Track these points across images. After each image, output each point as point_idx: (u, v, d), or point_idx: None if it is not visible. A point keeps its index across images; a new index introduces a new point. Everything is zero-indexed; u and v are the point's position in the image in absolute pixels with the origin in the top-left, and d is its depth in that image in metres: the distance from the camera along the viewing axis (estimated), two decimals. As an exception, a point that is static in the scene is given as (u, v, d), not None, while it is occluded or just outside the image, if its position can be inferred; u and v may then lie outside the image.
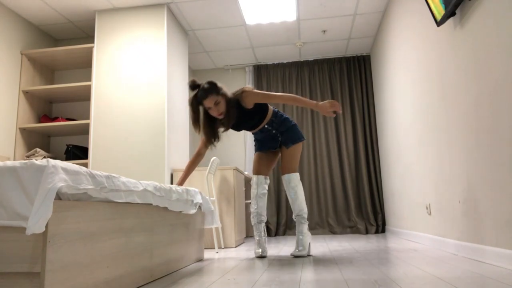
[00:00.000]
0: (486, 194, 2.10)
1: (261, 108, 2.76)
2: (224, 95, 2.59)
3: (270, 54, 5.33)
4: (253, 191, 2.88)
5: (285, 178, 2.82)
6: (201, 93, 2.54)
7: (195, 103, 2.59)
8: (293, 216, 2.84)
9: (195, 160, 2.79)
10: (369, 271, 1.99)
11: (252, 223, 2.89)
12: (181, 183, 2.74)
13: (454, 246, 2.53)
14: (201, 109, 2.66)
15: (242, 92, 2.65)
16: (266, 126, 2.85)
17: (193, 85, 2.59)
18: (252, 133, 2.96)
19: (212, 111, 2.57)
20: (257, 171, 2.93)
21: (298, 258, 2.66)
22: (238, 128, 2.83)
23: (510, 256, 1.86)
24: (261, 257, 2.76)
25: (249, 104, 2.66)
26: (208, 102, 2.54)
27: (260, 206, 2.84)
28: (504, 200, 1.91)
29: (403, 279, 1.74)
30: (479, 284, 1.57)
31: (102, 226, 1.55)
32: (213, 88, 2.55)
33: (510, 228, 1.87)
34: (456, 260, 2.25)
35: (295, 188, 2.79)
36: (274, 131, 2.87)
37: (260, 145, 2.98)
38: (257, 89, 5.52)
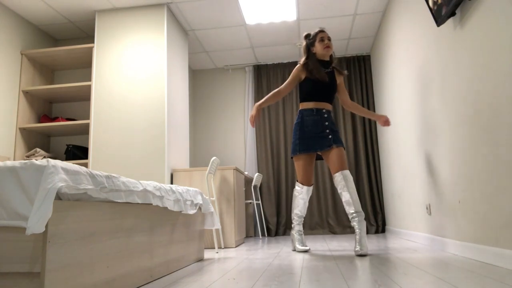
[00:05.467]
0: (486, 194, 2.10)
1: (336, 89, 3.13)
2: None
3: (270, 54, 5.33)
4: (303, 200, 3.06)
5: (342, 173, 2.83)
6: (321, 28, 3.13)
7: (309, 40, 3.13)
8: (351, 214, 2.78)
9: (276, 96, 3.08)
10: (369, 271, 1.99)
11: (295, 224, 3.12)
12: (260, 106, 3.02)
13: (454, 246, 2.53)
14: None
15: (339, 70, 3.22)
16: (325, 110, 3.03)
17: (307, 34, 3.16)
18: (305, 121, 3.02)
19: (324, 42, 3.06)
20: (307, 180, 3.05)
21: (298, 258, 2.66)
22: (320, 83, 3.03)
23: (510, 256, 1.86)
24: (306, 251, 3.02)
25: (339, 77, 3.19)
26: (324, 34, 3.09)
27: (304, 210, 3.12)
28: (504, 200, 1.91)
29: (403, 279, 1.74)
30: (479, 284, 1.57)
31: (102, 226, 1.55)
32: None
33: (510, 228, 1.87)
34: (456, 260, 2.25)
35: (353, 184, 2.87)
36: (326, 123, 2.99)
37: (309, 144, 2.99)
38: (257, 89, 5.52)
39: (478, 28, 2.09)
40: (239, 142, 5.53)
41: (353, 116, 5.26)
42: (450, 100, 2.52)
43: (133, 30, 3.99)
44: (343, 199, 2.82)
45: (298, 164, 3.04)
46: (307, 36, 3.16)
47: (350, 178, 2.84)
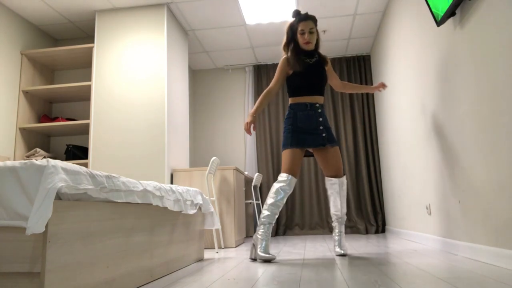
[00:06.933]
0: (486, 194, 2.10)
1: (325, 77, 2.89)
2: (318, 32, 2.87)
3: (270, 54, 5.33)
4: (285, 190, 2.66)
5: (339, 180, 2.79)
6: (304, 15, 2.81)
7: (294, 24, 2.84)
8: (336, 218, 2.82)
9: (267, 96, 2.83)
10: (369, 271, 1.99)
11: (266, 222, 2.64)
12: (255, 113, 2.78)
13: (454, 246, 2.53)
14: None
15: (325, 56, 2.98)
16: (319, 104, 2.81)
17: (296, 12, 2.85)
18: (298, 116, 2.77)
19: (304, 36, 2.78)
20: (294, 171, 2.70)
21: (298, 258, 2.66)
22: (309, 75, 2.80)
23: (510, 256, 1.86)
24: (269, 261, 2.55)
25: (326, 62, 2.94)
26: (306, 25, 2.78)
27: (281, 206, 2.69)
28: (504, 200, 1.91)
29: (403, 279, 1.74)
30: (479, 284, 1.57)
31: (102, 226, 1.55)
32: (314, 18, 2.83)
33: (510, 228, 1.87)
34: (456, 260, 2.25)
35: (345, 191, 2.83)
36: (321, 119, 2.78)
37: (301, 139, 2.74)
38: (257, 89, 5.52)
39: (478, 28, 2.09)
40: (239, 142, 5.53)
41: (353, 116, 5.26)
42: (450, 100, 2.52)
43: (133, 30, 3.99)
44: (332, 202, 2.83)
45: (287, 156, 2.72)
46: (294, 15, 2.84)
47: (345, 185, 2.84)
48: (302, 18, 2.79)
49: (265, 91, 2.83)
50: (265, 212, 2.64)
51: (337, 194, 2.80)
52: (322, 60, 2.91)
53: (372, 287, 1.58)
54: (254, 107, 2.80)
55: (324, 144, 2.76)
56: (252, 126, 2.75)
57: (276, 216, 2.66)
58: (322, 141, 2.75)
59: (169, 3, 3.99)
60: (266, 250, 2.57)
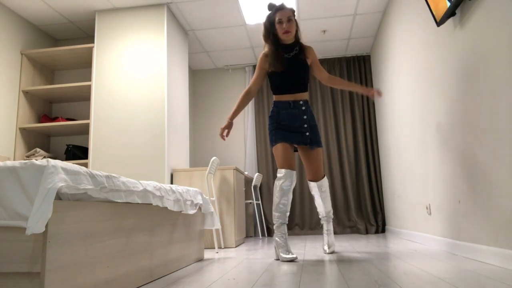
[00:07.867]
0: (486, 194, 2.10)
1: (308, 71, 2.79)
2: (296, 21, 2.76)
3: (270, 54, 5.32)
4: (286, 185, 2.61)
5: (318, 184, 2.80)
6: (281, 4, 2.74)
7: (270, 16, 2.76)
8: (321, 217, 2.93)
9: (247, 97, 2.83)
10: (369, 271, 1.99)
11: (278, 223, 2.61)
12: (232, 117, 2.80)
13: (454, 246, 2.53)
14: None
15: (307, 46, 2.84)
16: (303, 101, 2.72)
17: (271, 5, 2.78)
18: (281, 115, 2.72)
19: (282, 25, 2.68)
20: (289, 164, 2.65)
21: (298, 258, 2.66)
22: (289, 73, 2.70)
23: (510, 256, 1.86)
24: (292, 261, 2.48)
25: (309, 54, 2.80)
26: (283, 14, 2.69)
27: (288, 203, 2.64)
28: (504, 200, 1.91)
29: (403, 279, 1.74)
30: (479, 284, 1.57)
31: (102, 226, 1.55)
32: (291, 8, 2.76)
33: (510, 228, 1.87)
34: (456, 260, 2.25)
35: (327, 191, 2.87)
36: (305, 117, 2.71)
37: (285, 135, 2.70)
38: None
39: (478, 28, 2.09)
40: (239, 142, 5.53)
41: (353, 116, 5.26)
42: (450, 100, 2.52)
43: (133, 30, 3.99)
44: (316, 202, 2.92)
45: (277, 151, 2.68)
46: (270, 8, 2.76)
47: (326, 186, 2.84)
48: (279, 8, 2.71)
49: (244, 91, 2.82)
50: (275, 214, 2.63)
51: (318, 196, 2.86)
52: (302, 52, 2.78)
53: (372, 287, 1.58)
54: (232, 110, 2.80)
55: (306, 143, 2.73)
56: (226, 131, 2.74)
57: (287, 214, 2.63)
58: (305, 139, 2.72)
59: (169, 3, 3.99)
60: (287, 251, 2.54)
